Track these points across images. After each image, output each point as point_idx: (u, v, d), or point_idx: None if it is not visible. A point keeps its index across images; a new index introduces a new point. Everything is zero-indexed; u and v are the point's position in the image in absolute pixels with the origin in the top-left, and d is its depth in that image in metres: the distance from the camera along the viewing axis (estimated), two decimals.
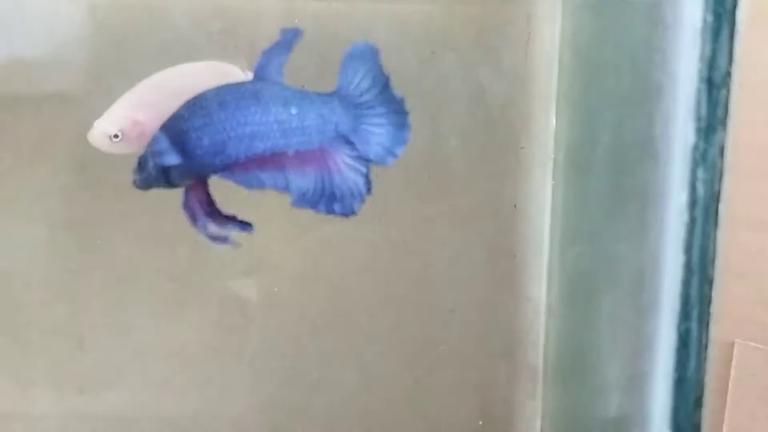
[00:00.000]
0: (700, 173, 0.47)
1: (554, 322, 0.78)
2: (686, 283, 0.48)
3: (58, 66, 0.74)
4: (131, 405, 0.81)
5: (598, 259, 0.56)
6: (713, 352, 0.51)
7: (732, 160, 0.48)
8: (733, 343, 0.89)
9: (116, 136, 0.59)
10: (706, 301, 0.48)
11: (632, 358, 0.53)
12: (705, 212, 0.48)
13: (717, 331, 0.53)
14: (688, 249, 0.48)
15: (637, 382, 0.52)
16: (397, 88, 0.77)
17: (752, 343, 0.88)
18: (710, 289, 0.48)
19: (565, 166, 0.73)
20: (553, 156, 0.79)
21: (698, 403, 0.50)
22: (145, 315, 0.80)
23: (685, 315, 0.48)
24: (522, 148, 0.80)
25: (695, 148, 0.47)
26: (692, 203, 0.47)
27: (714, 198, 0.47)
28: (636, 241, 0.51)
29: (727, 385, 0.88)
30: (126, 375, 0.80)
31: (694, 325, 0.49)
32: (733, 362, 0.89)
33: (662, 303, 0.50)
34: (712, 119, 0.46)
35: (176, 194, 0.64)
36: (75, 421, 0.80)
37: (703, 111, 0.46)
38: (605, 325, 0.58)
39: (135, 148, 0.59)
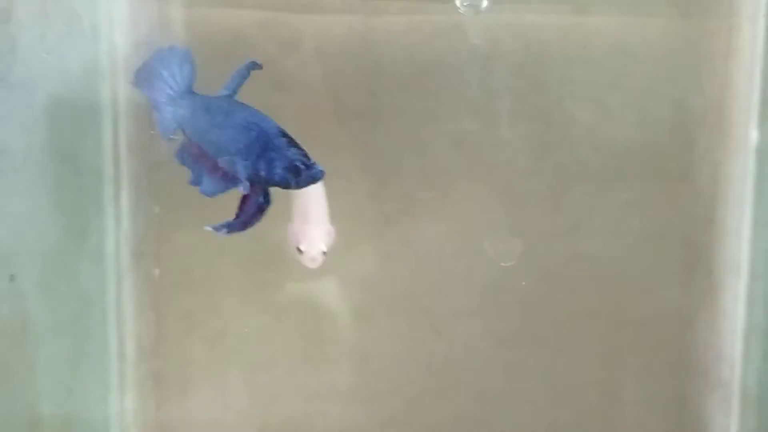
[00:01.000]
0: None
1: (755, 339, 0.76)
2: None
3: None
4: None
5: None
6: None
7: None
8: None
9: (324, 253, 0.64)
10: None
11: None
12: None
13: None
14: None
15: None
16: (588, 99, 0.78)
17: None
18: None
19: None
20: (754, 170, 0.77)
21: None
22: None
23: None
24: (720, 163, 0.78)
25: None
26: None
27: None
28: None
29: None
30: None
31: None
32: None
33: None
34: None
35: None
36: None
37: None
38: None
39: None
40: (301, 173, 0.58)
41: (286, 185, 0.58)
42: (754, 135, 0.78)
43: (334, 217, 0.65)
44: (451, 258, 0.79)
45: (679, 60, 0.78)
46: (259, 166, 0.58)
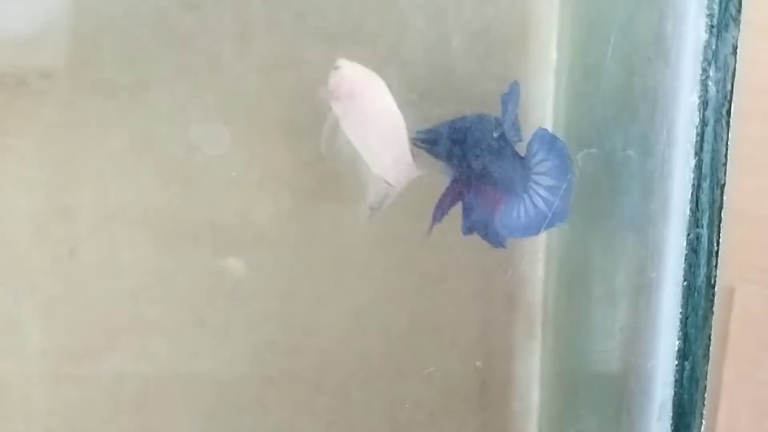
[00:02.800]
0: (712, 72, 0.45)
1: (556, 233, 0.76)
2: (697, 187, 0.47)
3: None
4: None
5: (606, 165, 0.55)
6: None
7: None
8: (734, 289, 0.88)
9: None
10: (716, 206, 0.47)
11: (640, 267, 0.52)
12: (717, 113, 0.46)
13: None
14: (698, 152, 0.47)
15: (645, 291, 0.50)
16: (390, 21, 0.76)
17: (754, 288, 0.87)
18: (722, 193, 0.47)
19: (569, 72, 0.71)
20: (553, 92, 0.77)
21: (708, 311, 0.48)
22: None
23: (695, 221, 0.47)
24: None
25: (707, 46, 0.45)
26: (703, 104, 0.46)
27: (726, 98, 0.46)
28: (646, 145, 0.50)
29: (728, 327, 0.87)
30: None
31: (704, 231, 0.47)
32: (734, 307, 0.88)
33: (672, 209, 0.48)
34: (724, 16, 0.45)
35: None
36: (67, 364, 0.78)
37: (715, 7, 0.45)
38: (612, 232, 0.57)
39: None
40: None
41: None
42: (553, 56, 0.78)
43: None
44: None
45: None
46: None
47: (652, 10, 0.49)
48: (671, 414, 0.51)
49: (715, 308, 0.52)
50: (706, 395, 0.52)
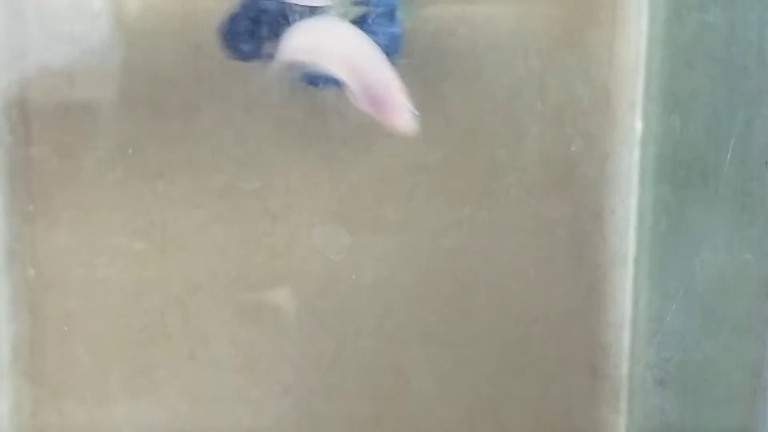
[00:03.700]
0: None
1: (641, 332, 0.75)
2: None
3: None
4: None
5: (710, 270, 0.54)
6: None
7: None
8: None
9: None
10: None
11: (754, 371, 0.51)
12: None
13: None
14: None
15: (754, 397, 0.49)
16: (472, 91, 0.77)
17: None
18: None
19: (655, 174, 0.71)
20: (639, 163, 0.77)
21: None
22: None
23: None
24: (607, 155, 0.78)
25: None
26: None
27: None
28: (763, 250, 0.49)
29: None
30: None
31: None
32: None
33: None
34: None
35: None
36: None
37: None
38: (721, 336, 0.56)
39: None
40: None
41: None
42: (638, 126, 0.77)
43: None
44: (335, 253, 0.78)
45: (564, 51, 0.77)
46: None
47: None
48: None
49: None
50: None
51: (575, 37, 0.77)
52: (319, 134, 0.76)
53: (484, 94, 0.77)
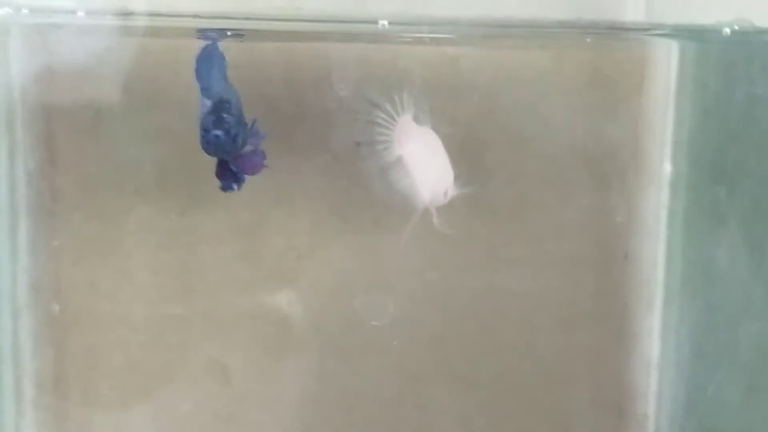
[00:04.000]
0: None
1: (668, 375, 0.75)
2: None
3: None
4: None
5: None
6: None
7: None
8: None
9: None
10: None
11: None
12: None
13: None
14: None
15: None
16: (505, 133, 0.76)
17: None
18: None
19: (684, 216, 0.71)
20: (667, 205, 0.76)
21: None
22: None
23: None
24: (634, 197, 0.77)
25: None
26: None
27: None
28: None
29: None
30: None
31: None
32: None
33: None
34: None
35: None
36: None
37: None
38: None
39: None
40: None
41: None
42: (667, 168, 0.77)
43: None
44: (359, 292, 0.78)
45: (593, 93, 0.76)
46: None
47: None
48: None
49: None
50: None
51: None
52: (346, 175, 0.75)
53: (510, 134, 0.76)
